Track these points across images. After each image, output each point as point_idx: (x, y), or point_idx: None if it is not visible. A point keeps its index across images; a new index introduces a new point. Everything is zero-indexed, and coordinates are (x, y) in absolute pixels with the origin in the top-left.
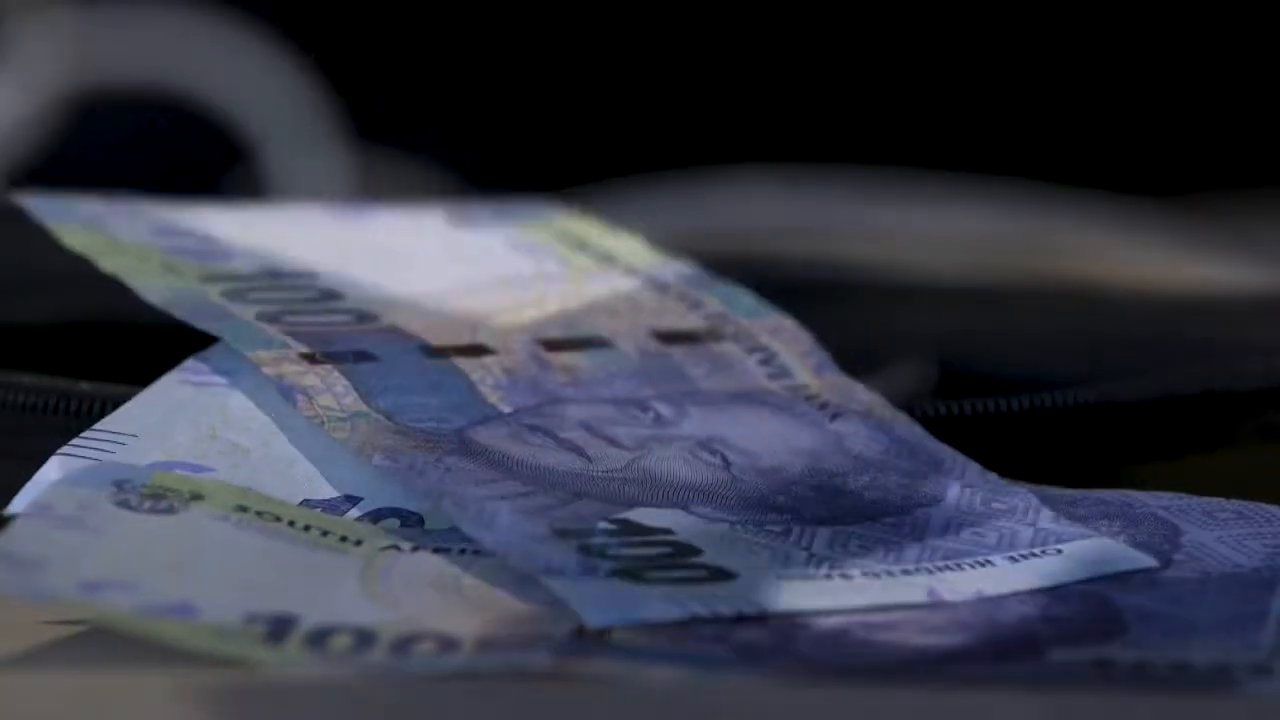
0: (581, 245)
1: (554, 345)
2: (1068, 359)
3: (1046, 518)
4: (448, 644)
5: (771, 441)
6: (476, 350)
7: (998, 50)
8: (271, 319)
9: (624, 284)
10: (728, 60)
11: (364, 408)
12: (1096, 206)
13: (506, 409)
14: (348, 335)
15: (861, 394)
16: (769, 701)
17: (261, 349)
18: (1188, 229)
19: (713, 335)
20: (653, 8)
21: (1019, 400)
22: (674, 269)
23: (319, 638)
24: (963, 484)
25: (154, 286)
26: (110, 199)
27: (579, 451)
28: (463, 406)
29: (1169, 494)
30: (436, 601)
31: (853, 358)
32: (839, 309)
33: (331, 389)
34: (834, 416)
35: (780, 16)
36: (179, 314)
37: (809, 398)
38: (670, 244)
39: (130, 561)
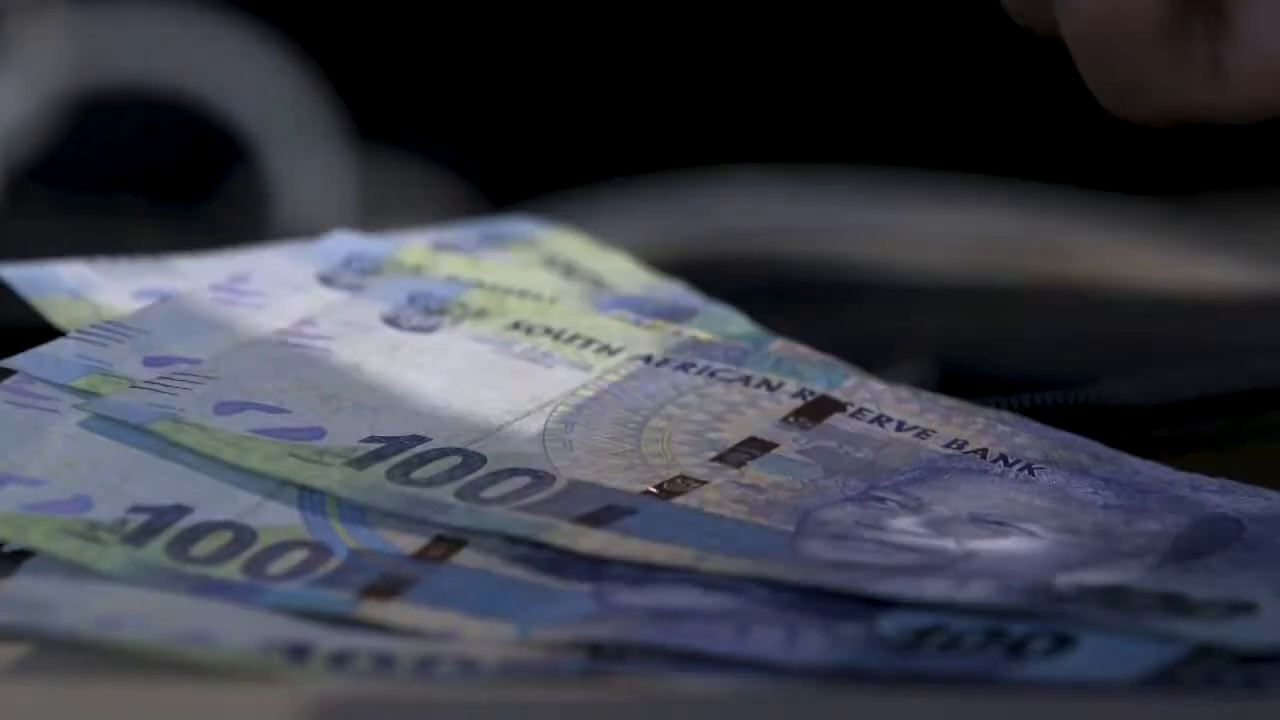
0: (569, 269)
1: (734, 463)
2: (1068, 359)
3: None
4: (468, 665)
5: (1020, 510)
6: (680, 485)
7: (998, 50)
8: (474, 498)
9: (682, 379)
10: (727, 60)
11: (695, 551)
12: (1097, 206)
13: (787, 528)
14: (565, 498)
15: (1012, 435)
16: (781, 705)
17: (550, 532)
18: (1188, 229)
19: (826, 410)
20: (652, 8)
21: (1019, 400)
22: (661, 292)
23: (339, 660)
24: (1230, 506)
25: (318, 484)
26: (93, 262)
27: (910, 550)
28: (754, 534)
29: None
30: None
31: (853, 358)
32: (839, 309)
33: (631, 545)
34: (1029, 470)
35: (780, 16)
36: (383, 504)
37: (981, 454)
38: (660, 253)
39: (138, 598)
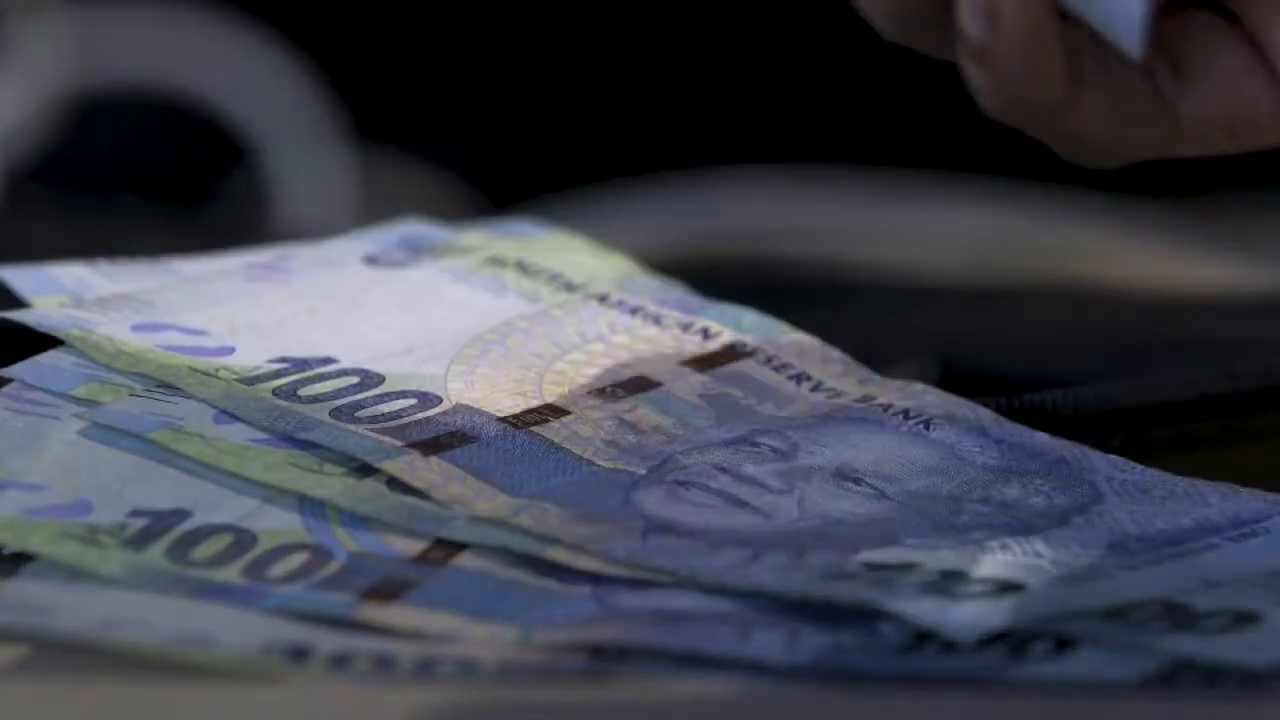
0: (562, 272)
1: (617, 396)
2: (1068, 359)
3: (1214, 498)
4: (468, 666)
5: (895, 463)
6: (550, 414)
7: None
8: (349, 418)
9: (620, 319)
10: (727, 61)
11: (515, 500)
12: (1096, 206)
13: (638, 471)
14: (431, 423)
15: (924, 393)
16: (781, 705)
17: (387, 460)
18: (1188, 229)
19: (738, 356)
20: (653, 9)
21: (1019, 400)
22: (663, 295)
23: (339, 661)
24: (1104, 476)
25: (201, 394)
26: (92, 263)
27: (746, 505)
28: (598, 479)
29: (1127, 465)
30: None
31: (854, 358)
32: (840, 309)
33: (465, 484)
34: (926, 425)
35: (780, 17)
36: (254, 421)
37: (885, 408)
38: (660, 254)
39: (138, 601)
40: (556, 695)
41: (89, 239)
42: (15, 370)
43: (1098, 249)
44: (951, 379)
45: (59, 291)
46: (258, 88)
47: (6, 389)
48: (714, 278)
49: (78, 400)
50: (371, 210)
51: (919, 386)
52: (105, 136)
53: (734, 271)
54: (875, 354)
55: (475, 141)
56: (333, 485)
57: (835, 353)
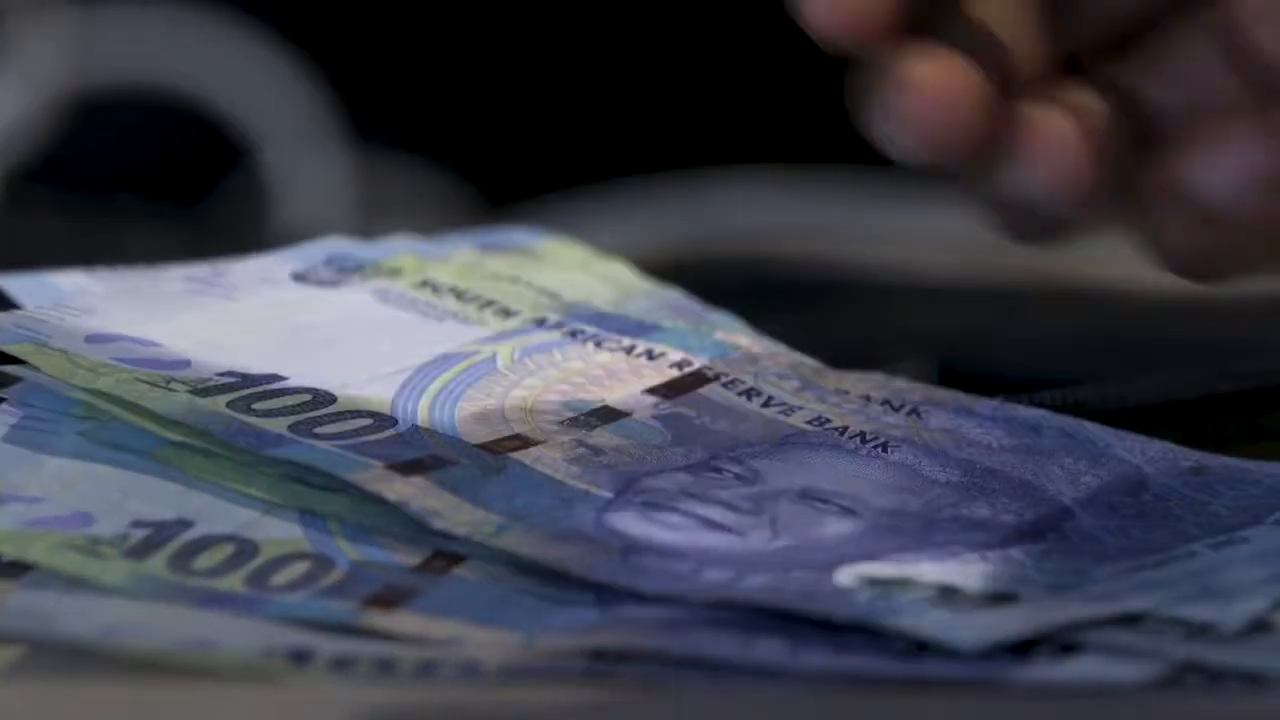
0: (548, 281)
1: (585, 425)
2: (1068, 359)
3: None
4: (469, 669)
5: (858, 483)
6: (521, 442)
7: None
8: (307, 433)
9: (571, 346)
10: (727, 61)
11: (494, 517)
12: None
13: (606, 493)
14: (402, 444)
15: (882, 416)
16: (782, 705)
17: (357, 473)
18: None
19: (699, 381)
20: (652, 9)
21: (1019, 400)
22: (630, 307)
23: (341, 665)
24: (1070, 498)
25: (158, 407)
26: (92, 271)
27: (720, 527)
28: (569, 501)
29: (1152, 443)
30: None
31: (853, 358)
32: (839, 308)
33: (443, 500)
34: (883, 447)
35: (779, 16)
36: (213, 429)
37: (840, 431)
38: (658, 254)
39: (140, 608)
40: (557, 696)
41: (88, 239)
42: (14, 386)
43: (1098, 249)
44: (951, 379)
45: (58, 299)
46: (258, 88)
47: (6, 403)
48: (713, 278)
49: (77, 414)
50: (371, 211)
51: (876, 409)
52: (105, 136)
53: (733, 272)
54: (875, 354)
55: (474, 142)
56: (338, 502)
57: (796, 357)
